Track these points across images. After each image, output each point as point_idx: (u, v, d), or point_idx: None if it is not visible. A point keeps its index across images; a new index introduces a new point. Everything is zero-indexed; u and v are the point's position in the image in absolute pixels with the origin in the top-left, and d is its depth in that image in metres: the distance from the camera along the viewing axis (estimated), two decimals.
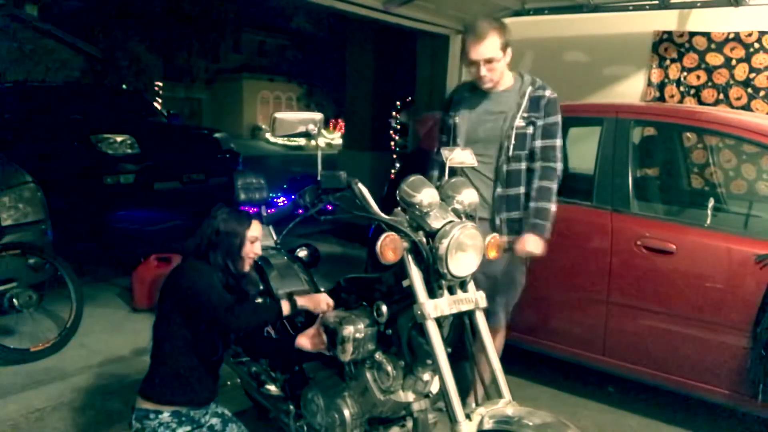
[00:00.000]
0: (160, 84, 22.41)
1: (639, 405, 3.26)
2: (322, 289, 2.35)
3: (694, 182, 4.22)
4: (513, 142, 2.61)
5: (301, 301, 2.13)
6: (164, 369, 2.14)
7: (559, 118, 2.66)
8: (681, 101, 4.80)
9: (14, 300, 3.58)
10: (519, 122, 2.61)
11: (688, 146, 4.24)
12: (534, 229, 2.58)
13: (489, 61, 2.57)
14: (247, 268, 2.26)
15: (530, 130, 2.63)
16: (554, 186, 2.63)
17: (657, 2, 4.60)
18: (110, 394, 3.20)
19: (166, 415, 2.11)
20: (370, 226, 1.96)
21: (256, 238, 2.26)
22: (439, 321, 1.81)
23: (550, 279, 3.17)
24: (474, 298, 1.90)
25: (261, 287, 2.65)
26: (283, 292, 2.60)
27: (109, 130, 6.33)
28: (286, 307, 2.09)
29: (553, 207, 2.63)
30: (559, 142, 2.65)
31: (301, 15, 20.00)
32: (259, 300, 2.45)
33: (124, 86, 16.96)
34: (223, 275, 2.17)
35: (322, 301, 2.16)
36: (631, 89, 5.01)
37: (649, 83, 4.93)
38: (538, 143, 2.63)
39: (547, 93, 2.67)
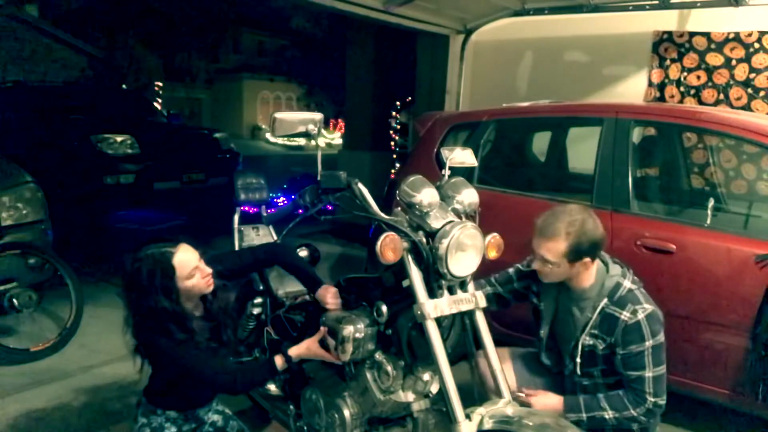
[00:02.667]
0: (160, 84, 22.40)
1: None
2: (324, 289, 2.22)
3: (694, 182, 4.22)
4: (579, 360, 2.21)
5: (294, 352, 2.01)
6: (165, 382, 2.13)
7: (646, 345, 2.10)
8: (681, 101, 4.80)
9: (14, 300, 3.58)
10: (586, 339, 2.19)
11: (688, 146, 4.24)
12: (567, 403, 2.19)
13: (544, 260, 2.17)
14: (209, 289, 2.06)
15: (601, 347, 2.18)
16: (634, 414, 2.11)
17: (657, 2, 4.60)
18: (110, 394, 3.21)
19: (172, 413, 2.13)
20: (370, 226, 1.95)
21: (194, 268, 1.99)
22: (439, 321, 1.81)
23: None
24: (474, 298, 1.89)
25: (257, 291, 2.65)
26: (283, 292, 2.61)
27: (109, 130, 6.32)
28: (279, 362, 2.00)
29: (607, 417, 2.13)
30: (648, 372, 2.11)
31: (301, 15, 19.97)
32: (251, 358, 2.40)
33: (124, 86, 16.95)
34: (194, 335, 2.01)
35: (314, 346, 2.01)
36: (631, 89, 5.01)
37: (650, 83, 4.94)
38: (624, 373, 2.16)
39: (625, 315, 2.12)
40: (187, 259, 1.98)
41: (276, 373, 2.03)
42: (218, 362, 2.02)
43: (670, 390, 2.95)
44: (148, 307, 1.94)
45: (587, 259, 2.13)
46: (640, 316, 2.11)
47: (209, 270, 2.05)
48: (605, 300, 2.16)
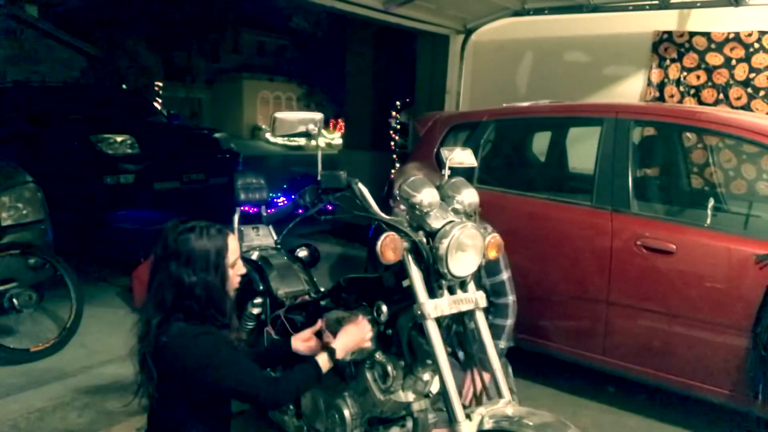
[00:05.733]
0: (160, 84, 22.41)
1: (639, 405, 3.25)
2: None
3: (694, 182, 4.22)
4: None
5: (340, 346, 1.85)
6: (175, 418, 1.83)
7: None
8: (681, 101, 4.80)
9: (14, 300, 3.57)
10: None
11: (688, 146, 4.24)
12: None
13: None
14: (234, 288, 1.91)
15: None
16: (508, 322, 2.56)
17: (657, 2, 4.60)
18: (110, 394, 3.20)
19: None
20: (370, 226, 1.95)
21: (237, 258, 1.88)
22: (439, 321, 1.81)
23: (551, 279, 3.17)
24: (474, 298, 1.89)
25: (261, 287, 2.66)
26: (283, 292, 2.61)
27: (109, 130, 6.33)
28: (324, 362, 1.82)
29: (502, 345, 2.54)
30: (506, 274, 2.57)
31: (301, 15, 19.97)
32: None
33: (124, 86, 16.95)
34: (223, 330, 1.82)
35: (352, 332, 1.88)
36: (631, 89, 5.01)
37: (649, 83, 4.94)
38: (486, 282, 2.54)
39: None
40: (235, 247, 1.86)
41: (322, 377, 1.82)
42: (256, 368, 1.78)
43: (670, 390, 2.97)
44: (190, 284, 1.69)
45: None
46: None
47: (244, 270, 1.94)
48: None
